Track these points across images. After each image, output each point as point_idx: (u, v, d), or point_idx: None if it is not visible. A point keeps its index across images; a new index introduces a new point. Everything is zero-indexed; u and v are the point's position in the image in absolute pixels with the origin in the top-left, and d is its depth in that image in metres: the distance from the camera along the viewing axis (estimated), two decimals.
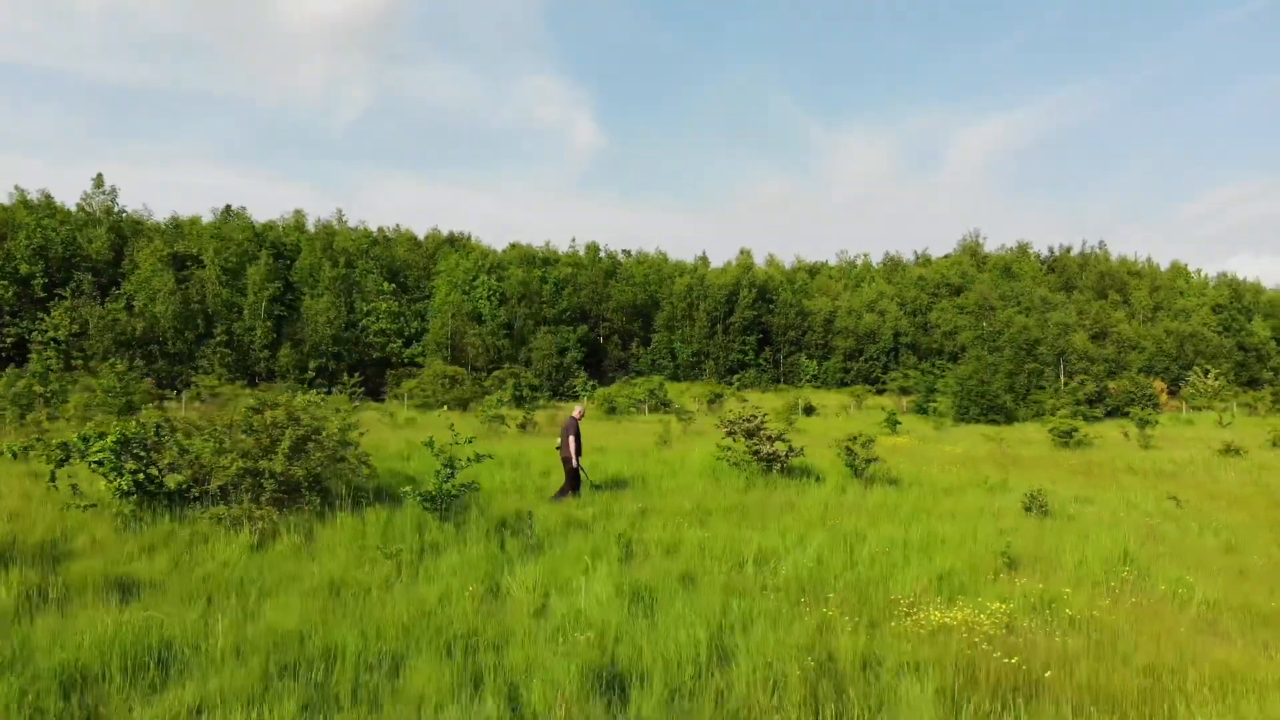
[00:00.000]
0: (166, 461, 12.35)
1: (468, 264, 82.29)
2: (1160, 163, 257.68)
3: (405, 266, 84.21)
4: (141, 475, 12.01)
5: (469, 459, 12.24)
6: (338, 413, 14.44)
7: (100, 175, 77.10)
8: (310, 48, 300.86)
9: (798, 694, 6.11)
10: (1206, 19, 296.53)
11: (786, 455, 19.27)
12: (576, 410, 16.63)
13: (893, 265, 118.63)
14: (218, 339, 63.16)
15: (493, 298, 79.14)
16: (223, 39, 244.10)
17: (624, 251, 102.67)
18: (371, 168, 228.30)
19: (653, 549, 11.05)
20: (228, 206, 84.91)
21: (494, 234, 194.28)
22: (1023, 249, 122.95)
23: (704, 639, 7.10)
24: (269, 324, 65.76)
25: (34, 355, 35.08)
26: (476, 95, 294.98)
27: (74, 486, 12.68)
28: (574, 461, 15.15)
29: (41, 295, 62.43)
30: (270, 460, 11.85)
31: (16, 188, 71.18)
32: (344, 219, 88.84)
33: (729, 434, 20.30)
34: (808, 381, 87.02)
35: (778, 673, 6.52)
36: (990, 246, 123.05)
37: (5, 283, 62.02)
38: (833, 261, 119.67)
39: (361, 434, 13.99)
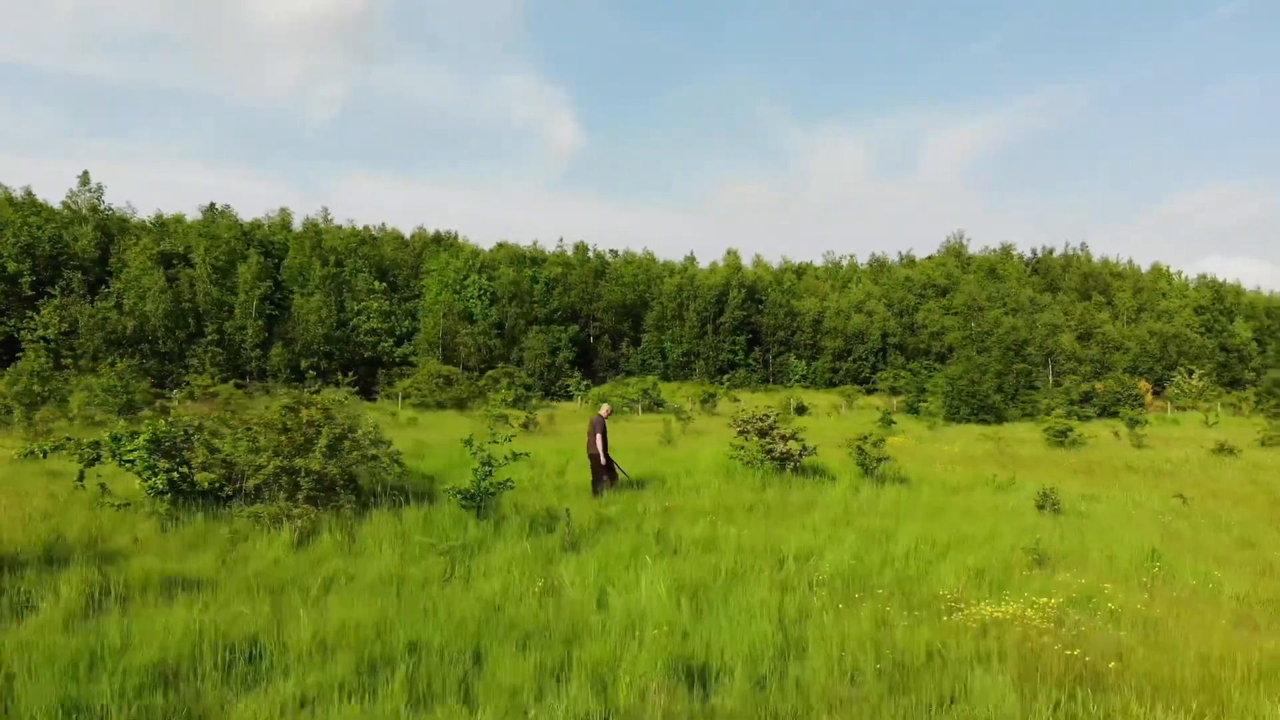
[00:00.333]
0: (199, 460, 12.38)
1: (458, 263, 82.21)
2: (1134, 165, 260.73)
3: (393, 265, 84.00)
4: (175, 474, 12.04)
5: (505, 457, 12.35)
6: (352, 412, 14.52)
7: (86, 173, 76.54)
8: (286, 45, 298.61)
9: (875, 684, 6.27)
10: (1180, 24, 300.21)
11: (800, 454, 19.45)
12: (604, 409, 16.77)
13: (878, 266, 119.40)
14: (209, 338, 62.80)
15: (484, 297, 79.10)
16: (197, 36, 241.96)
17: (611, 251, 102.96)
18: (349, 166, 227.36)
19: (690, 546, 11.19)
20: (212, 205, 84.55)
21: (475, 233, 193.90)
22: (1006, 250, 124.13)
23: (771, 632, 7.26)
24: (260, 323, 65.45)
25: (29, 353, 34.74)
26: (455, 94, 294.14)
27: (102, 486, 12.71)
28: (602, 458, 15.30)
29: (30, 294, 61.88)
30: (306, 459, 11.90)
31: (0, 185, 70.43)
32: (329, 217, 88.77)
33: (741, 433, 20.47)
34: (796, 381, 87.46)
35: (851, 663, 6.68)
36: (973, 248, 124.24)
37: None
38: (818, 262, 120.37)
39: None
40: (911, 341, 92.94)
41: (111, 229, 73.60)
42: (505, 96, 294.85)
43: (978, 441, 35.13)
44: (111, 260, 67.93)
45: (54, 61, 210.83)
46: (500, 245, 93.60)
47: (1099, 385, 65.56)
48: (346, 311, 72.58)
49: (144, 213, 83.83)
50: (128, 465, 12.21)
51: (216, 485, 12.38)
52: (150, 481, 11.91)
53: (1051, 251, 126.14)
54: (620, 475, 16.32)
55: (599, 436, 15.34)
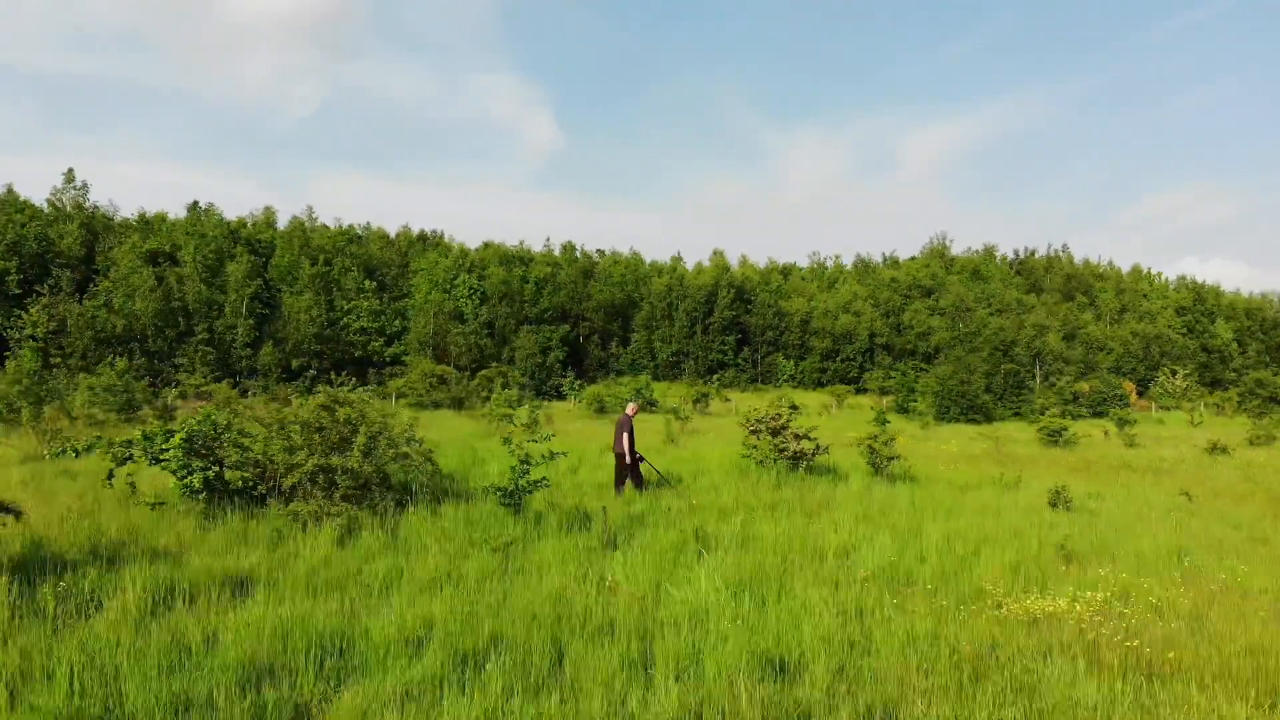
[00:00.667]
0: (233, 459, 12.41)
1: (448, 263, 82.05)
2: (1109, 167, 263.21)
3: (380, 264, 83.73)
4: (211, 473, 12.08)
5: (542, 456, 12.47)
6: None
7: (71, 170, 75.90)
8: (262, 42, 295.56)
9: (949, 674, 6.45)
10: (1154, 27, 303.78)
11: (813, 453, 19.65)
12: (630, 408, 16.91)
13: (863, 267, 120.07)
14: (199, 337, 62.42)
15: (474, 296, 79.00)
16: (169, 32, 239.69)
17: (599, 251, 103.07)
18: (326, 164, 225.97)
19: (728, 542, 11.34)
20: (195, 203, 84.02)
21: (455, 231, 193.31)
22: (989, 251, 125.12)
23: (836, 625, 7.43)
24: (250, 322, 65.11)
25: (25, 352, 34.45)
26: (433, 92, 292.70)
27: (132, 485, 12.73)
28: (628, 458, 15.43)
29: (17, 292, 61.28)
30: (344, 457, 11.97)
31: None
32: (314, 215, 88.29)
33: (753, 432, 20.67)
34: (785, 381, 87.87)
35: (918, 655, 6.85)
36: (954, 249, 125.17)
37: None
38: (803, 263, 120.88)
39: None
40: (898, 342, 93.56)
41: (96, 227, 72.99)
42: (483, 95, 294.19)
43: (973, 441, 35.51)
44: (98, 259, 67.38)
45: (25, 57, 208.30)
46: (487, 244, 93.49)
47: (1085, 385, 66.26)
48: (336, 311, 72.31)
49: (125, 210, 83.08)
50: (162, 464, 12.22)
51: (250, 484, 12.41)
52: (186, 480, 11.94)
53: (1034, 253, 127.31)
54: (654, 475, 16.47)
55: (626, 435, 15.47)
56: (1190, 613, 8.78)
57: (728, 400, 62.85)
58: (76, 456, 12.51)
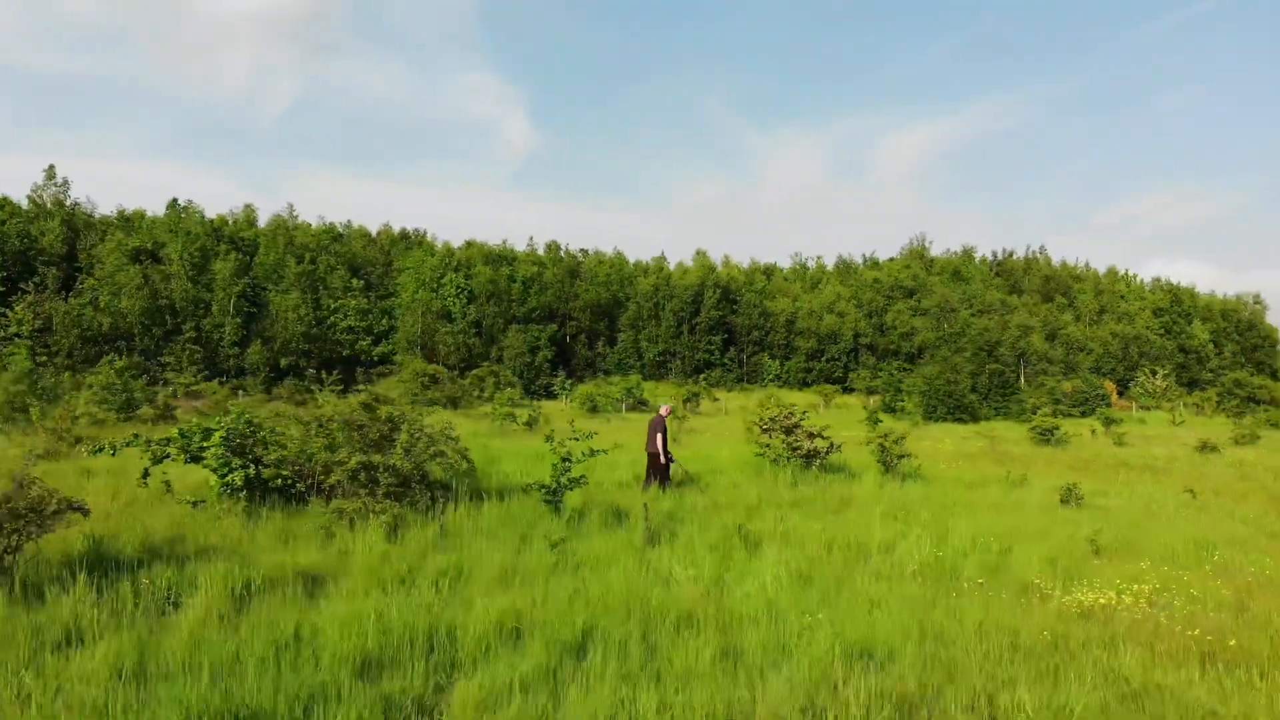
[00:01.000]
0: (273, 457, 12.48)
1: (434, 261, 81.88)
2: (1082, 170, 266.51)
3: (365, 263, 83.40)
4: (251, 471, 12.14)
5: (583, 454, 12.63)
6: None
7: (52, 167, 75.04)
8: (237, 38, 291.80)
9: (1026, 664, 6.68)
10: (1125, 32, 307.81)
11: (826, 452, 19.90)
12: (664, 409, 17.10)
13: (845, 268, 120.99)
14: (186, 336, 61.91)
15: (461, 296, 78.87)
16: (145, 28, 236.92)
17: (582, 250, 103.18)
18: (302, 162, 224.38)
19: (767, 539, 11.54)
20: (175, 200, 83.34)
21: (433, 230, 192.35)
22: (968, 253, 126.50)
23: (906, 618, 7.65)
24: (238, 321, 64.67)
25: (20, 351, 34.13)
26: (411, 91, 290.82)
27: (167, 484, 12.77)
28: (662, 457, 15.62)
29: (2, 290, 60.53)
30: (385, 455, 12.08)
31: None
32: (295, 213, 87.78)
33: (764, 430, 20.90)
34: (770, 380, 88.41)
35: (990, 646, 7.08)
36: (932, 250, 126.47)
37: None
38: (783, 263, 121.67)
39: None
40: (881, 342, 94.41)
41: (77, 224, 72.22)
42: (462, 94, 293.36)
43: (965, 440, 35.96)
44: (81, 256, 66.70)
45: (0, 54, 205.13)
46: (470, 243, 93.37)
47: (1067, 385, 67.15)
48: (323, 309, 71.97)
49: (103, 208, 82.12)
50: (203, 462, 12.27)
51: (289, 481, 12.49)
52: (227, 478, 12.00)
53: (1012, 254, 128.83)
54: (680, 474, 16.68)
55: (660, 436, 15.67)
56: (1233, 604, 9.07)
57: (716, 400, 63.16)
58: (114, 454, 12.52)
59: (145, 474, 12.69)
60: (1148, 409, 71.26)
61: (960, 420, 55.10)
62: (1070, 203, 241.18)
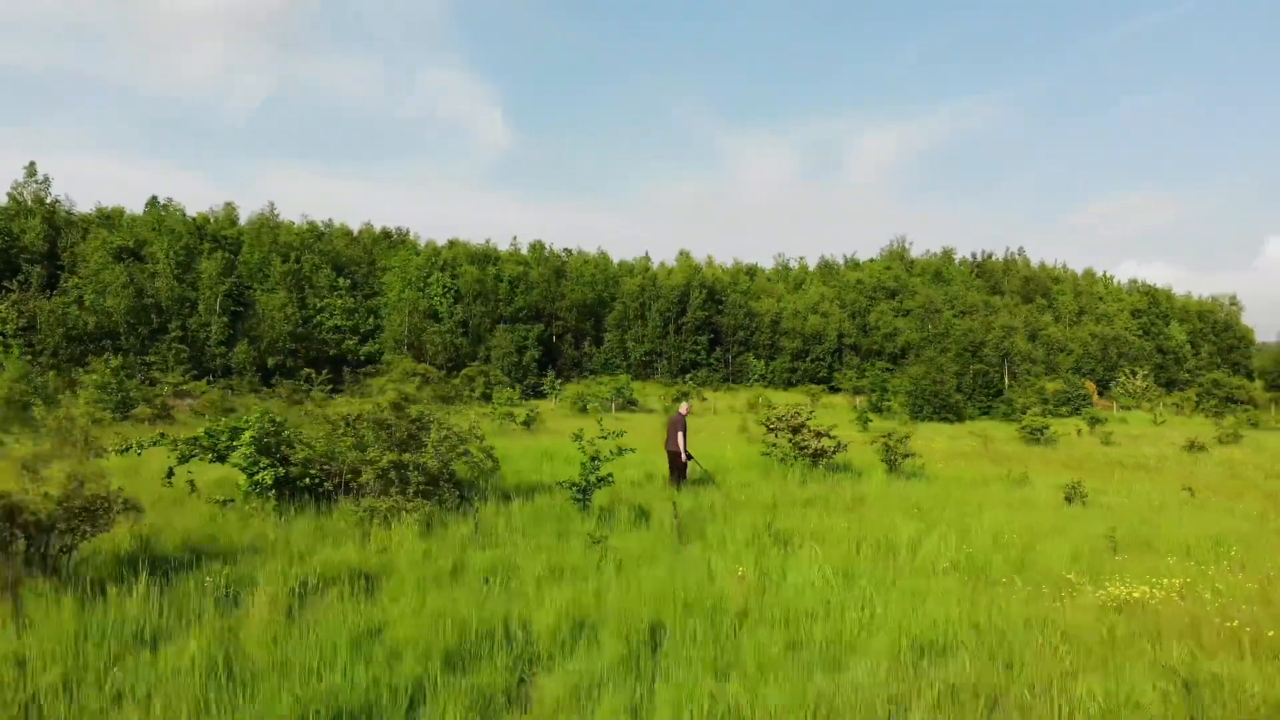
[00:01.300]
0: (301, 456, 12.51)
1: (419, 260, 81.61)
2: (1051, 173, 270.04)
3: (349, 262, 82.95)
4: (281, 470, 12.17)
5: (610, 453, 12.75)
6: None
7: (33, 163, 74.05)
8: (207, 34, 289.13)
9: (1083, 656, 6.88)
10: (1091, 38, 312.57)
11: (833, 451, 20.12)
12: (684, 407, 17.25)
13: (827, 268, 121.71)
14: (172, 335, 61.40)
15: (448, 295, 78.67)
16: (112, 24, 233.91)
17: (565, 250, 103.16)
18: (273, 159, 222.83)
19: (796, 536, 11.71)
20: (154, 198, 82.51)
21: (407, 227, 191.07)
22: (948, 254, 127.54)
23: (956, 612, 7.84)
24: (225, 320, 64.20)
25: (14, 351, 33.76)
26: (383, 88, 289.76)
27: (191, 483, 12.77)
28: (683, 455, 15.78)
29: None
30: (416, 454, 12.15)
31: None
32: (275, 211, 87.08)
33: (770, 429, 21.12)
34: (755, 380, 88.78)
35: (1043, 638, 7.27)
36: (909, 251, 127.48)
37: None
38: (764, 263, 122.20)
39: None
40: (865, 342, 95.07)
41: (58, 222, 71.40)
42: (435, 92, 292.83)
43: (956, 439, 36.39)
44: (63, 255, 65.95)
45: None
46: (453, 243, 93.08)
47: (1050, 385, 67.94)
48: (309, 308, 71.55)
49: (80, 205, 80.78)
50: (231, 462, 12.30)
51: (317, 481, 12.53)
52: (257, 477, 12.03)
53: (991, 256, 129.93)
54: (701, 471, 16.85)
55: (680, 435, 15.83)
56: (1259, 597, 9.32)
57: (705, 399, 63.43)
58: (140, 454, 12.52)
59: (170, 473, 12.69)
60: (1128, 409, 72.20)
61: (946, 420, 55.69)
62: (1040, 205, 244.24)
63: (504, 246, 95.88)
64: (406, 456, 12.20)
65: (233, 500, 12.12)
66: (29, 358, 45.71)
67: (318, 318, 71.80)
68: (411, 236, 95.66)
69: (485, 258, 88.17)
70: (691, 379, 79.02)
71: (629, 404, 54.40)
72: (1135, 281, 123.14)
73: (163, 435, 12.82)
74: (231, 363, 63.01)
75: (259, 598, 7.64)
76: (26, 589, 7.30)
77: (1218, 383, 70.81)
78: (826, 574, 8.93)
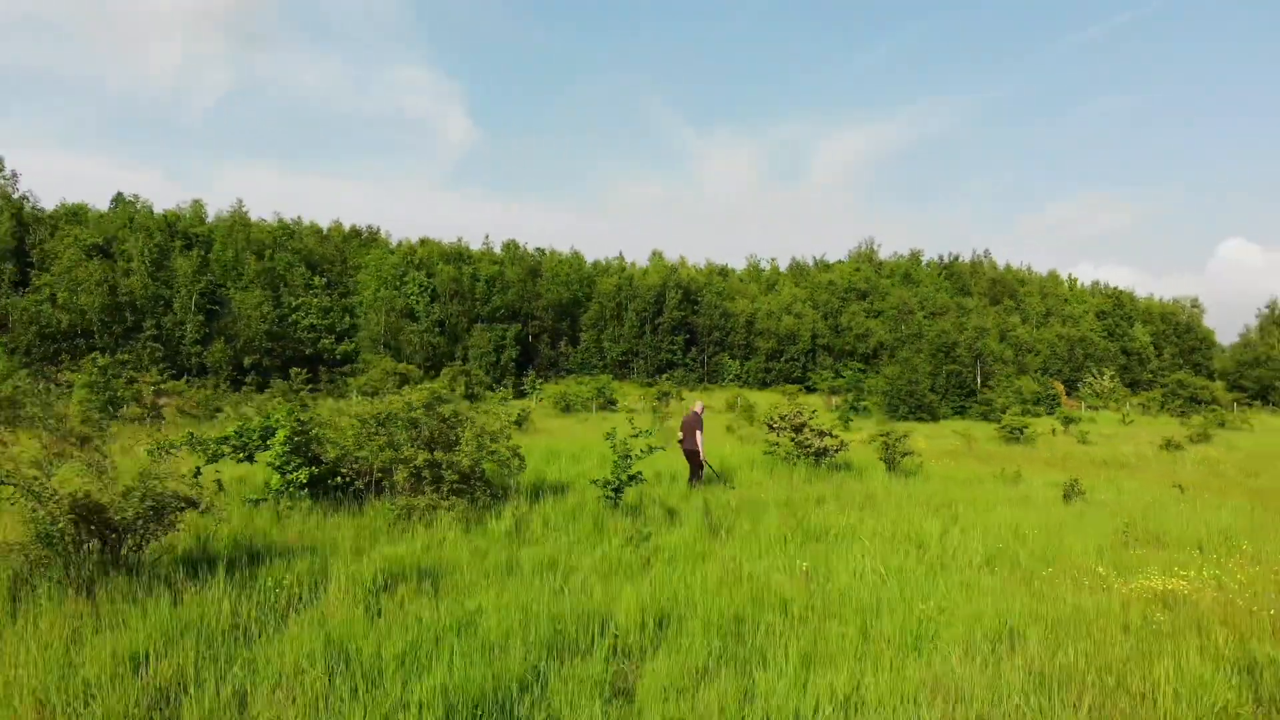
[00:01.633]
0: (332, 455, 12.58)
1: (395, 259, 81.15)
2: (1008, 176, 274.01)
3: (323, 260, 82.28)
4: (314, 469, 12.24)
5: (641, 451, 12.95)
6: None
7: (0, 159, 72.77)
8: (167, 28, 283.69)
9: (1137, 641, 7.20)
10: (1051, 43, 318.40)
11: (836, 450, 20.46)
12: (698, 406, 17.47)
13: (798, 270, 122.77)
14: (147, 333, 60.52)
15: (424, 294, 78.30)
16: (71, 17, 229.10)
17: (539, 250, 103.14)
18: (233, 156, 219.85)
19: (826, 534, 11.99)
20: (119, 194, 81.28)
21: (376, 225, 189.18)
22: (915, 256, 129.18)
23: (1010, 602, 8.15)
24: (200, 318, 63.40)
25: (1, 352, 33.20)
26: (345, 85, 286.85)
27: (219, 482, 12.77)
28: (701, 454, 16.01)
29: None
30: (452, 452, 12.27)
31: None
32: (244, 208, 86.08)
33: (772, 429, 21.43)
34: (731, 380, 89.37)
35: (1100, 626, 7.59)
36: (882, 253, 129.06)
37: None
38: (734, 264, 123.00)
39: None
40: (837, 343, 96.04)
41: (27, 219, 70.08)
42: (399, 89, 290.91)
43: (936, 438, 36.99)
44: (33, 252, 64.75)
45: None
46: (424, 241, 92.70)
47: (1029, 386, 69.18)
48: (284, 307, 70.86)
49: (45, 202, 79.12)
50: (268, 462, 12.34)
51: (348, 480, 12.60)
52: (292, 476, 12.08)
53: (958, 258, 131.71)
54: (709, 472, 17.07)
55: (698, 433, 16.06)
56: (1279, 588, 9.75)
57: (682, 399, 63.76)
58: (176, 454, 12.50)
59: (197, 472, 12.68)
60: (1095, 409, 73.68)
61: (921, 419, 56.55)
62: (999, 208, 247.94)
63: (475, 245, 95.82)
64: (440, 455, 12.31)
65: (264, 499, 12.16)
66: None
67: (293, 316, 71.14)
68: (383, 235, 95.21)
69: (459, 257, 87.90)
70: (668, 379, 79.37)
71: (609, 404, 54.61)
72: (1098, 284, 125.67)
73: (191, 435, 12.82)
74: (207, 362, 62.25)
75: (335, 593, 7.77)
76: (102, 588, 7.35)
77: (1182, 383, 72.51)
78: (878, 569, 9.20)
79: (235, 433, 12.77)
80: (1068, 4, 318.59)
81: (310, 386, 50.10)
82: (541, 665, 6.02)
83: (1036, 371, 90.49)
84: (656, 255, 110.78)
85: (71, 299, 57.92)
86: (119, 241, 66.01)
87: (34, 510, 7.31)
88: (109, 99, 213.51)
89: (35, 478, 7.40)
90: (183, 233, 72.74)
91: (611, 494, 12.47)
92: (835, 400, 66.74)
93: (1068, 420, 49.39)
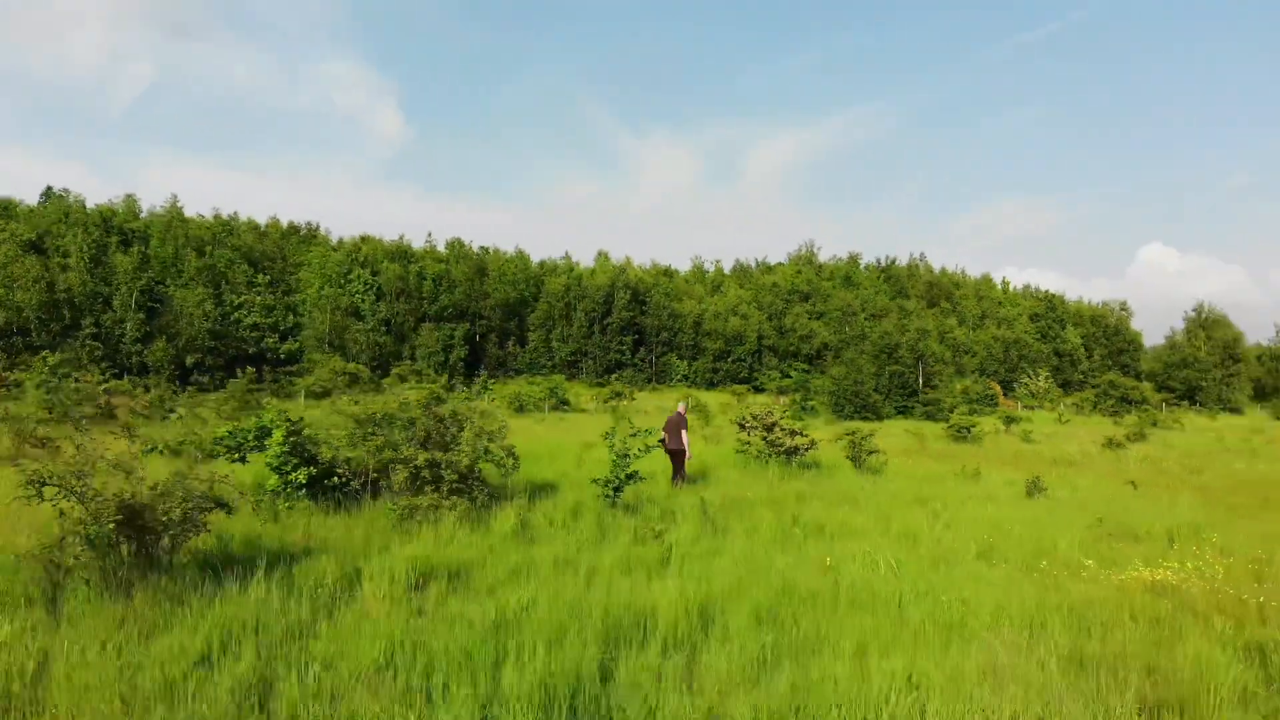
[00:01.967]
0: (328, 456, 12.54)
1: (339, 257, 79.86)
2: (935, 181, 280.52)
3: (263, 257, 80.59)
4: (313, 470, 12.19)
5: (639, 450, 13.15)
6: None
7: None
8: (82, 15, 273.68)
9: (1150, 629, 7.66)
10: (977, 51, 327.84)
11: (806, 449, 20.91)
12: (681, 406, 17.69)
13: (742, 271, 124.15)
14: (86, 331, 58.61)
15: (369, 292, 77.21)
16: None
17: (482, 248, 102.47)
18: (158, 150, 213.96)
19: (822, 529, 12.34)
20: (49, 188, 78.67)
21: (316, 222, 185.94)
22: (854, 259, 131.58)
23: (1022, 592, 8.56)
24: (141, 316, 61.59)
25: None
26: (275, 78, 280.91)
27: (211, 485, 12.64)
28: (688, 453, 16.26)
29: None
30: (453, 452, 12.32)
31: None
32: (179, 204, 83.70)
33: (743, 428, 21.81)
34: (679, 380, 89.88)
35: (1116, 616, 8.03)
36: (821, 256, 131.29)
37: None
38: (680, 265, 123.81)
39: None
40: (782, 344, 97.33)
41: None
42: (329, 84, 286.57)
43: (887, 437, 37.83)
44: None
45: None
46: (365, 238, 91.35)
47: (974, 387, 70.95)
48: (226, 305, 69.26)
49: None
50: (265, 462, 12.25)
51: (345, 480, 12.57)
52: (292, 476, 12.02)
53: (894, 261, 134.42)
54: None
55: (685, 432, 16.31)
56: (1256, 577, 10.35)
57: (633, 400, 64.03)
58: (162, 455, 12.34)
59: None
60: (1031, 409, 75.90)
61: (866, 419, 57.64)
62: (927, 212, 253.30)
63: (418, 244, 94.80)
64: (439, 455, 12.36)
65: (262, 500, 12.07)
66: None
67: (235, 315, 69.57)
68: (323, 232, 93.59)
69: (403, 255, 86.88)
70: (618, 379, 79.53)
71: (562, 404, 54.58)
72: (1029, 287, 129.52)
73: (194, 434, 12.66)
74: (148, 360, 60.56)
75: (371, 591, 7.83)
76: (140, 589, 7.31)
77: (1114, 384, 75.06)
78: (889, 562, 9.55)
79: (229, 433, 12.63)
80: (992, 15, 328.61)
81: (259, 384, 49.14)
82: (605, 658, 6.19)
83: (974, 372, 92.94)
84: (602, 255, 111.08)
85: (8, 296, 55.85)
86: (53, 237, 63.79)
87: (79, 512, 7.23)
88: (27, 90, 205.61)
89: (79, 479, 7.32)
90: (118, 228, 70.60)
91: (611, 493, 12.65)
92: (784, 400, 67.63)
93: (1009, 419, 50.82)
